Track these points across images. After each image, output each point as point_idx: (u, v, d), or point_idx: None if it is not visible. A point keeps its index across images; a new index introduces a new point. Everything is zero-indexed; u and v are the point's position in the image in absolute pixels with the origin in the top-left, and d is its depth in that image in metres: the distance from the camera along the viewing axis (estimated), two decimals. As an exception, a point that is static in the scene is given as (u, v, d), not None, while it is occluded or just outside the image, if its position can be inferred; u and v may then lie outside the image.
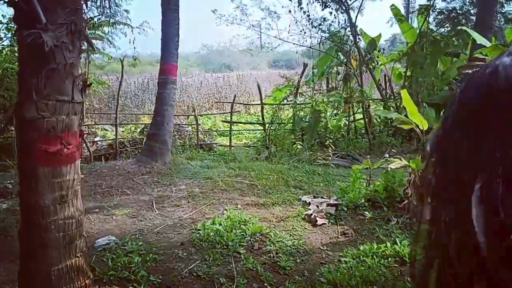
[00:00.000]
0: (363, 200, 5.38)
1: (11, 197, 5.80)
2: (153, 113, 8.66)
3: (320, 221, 4.86)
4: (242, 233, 4.47)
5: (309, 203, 5.51)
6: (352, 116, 11.34)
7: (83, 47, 2.72)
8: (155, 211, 5.42)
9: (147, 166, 7.47)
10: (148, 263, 3.86)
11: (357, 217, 5.09)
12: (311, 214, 4.99)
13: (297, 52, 13.37)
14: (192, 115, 12.85)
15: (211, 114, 15.40)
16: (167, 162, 7.82)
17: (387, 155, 9.14)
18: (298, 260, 3.95)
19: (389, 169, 5.09)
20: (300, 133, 10.55)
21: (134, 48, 10.62)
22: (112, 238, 4.50)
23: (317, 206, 5.33)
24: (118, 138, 10.53)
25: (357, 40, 11.39)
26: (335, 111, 11.54)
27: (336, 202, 5.45)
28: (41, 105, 2.45)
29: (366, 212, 5.07)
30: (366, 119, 10.81)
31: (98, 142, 11.19)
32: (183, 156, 9.05)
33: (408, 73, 10.98)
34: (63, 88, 2.53)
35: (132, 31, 10.01)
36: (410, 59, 10.96)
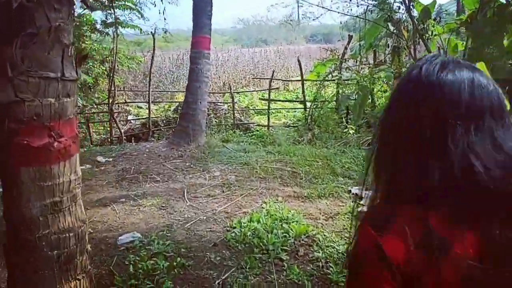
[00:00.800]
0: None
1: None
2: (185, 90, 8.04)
3: (376, 220, 4.07)
4: (284, 234, 3.78)
5: (361, 197, 4.70)
6: (402, 93, 10.18)
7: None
8: (186, 202, 4.84)
9: (180, 149, 6.90)
10: (175, 270, 3.29)
11: (420, 215, 4.26)
12: (366, 211, 4.20)
13: (341, 23, 12.19)
14: (228, 93, 12.16)
15: (248, 92, 14.64)
16: (200, 144, 7.22)
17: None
18: (353, 273, 3.22)
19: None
20: (345, 112, 9.59)
21: (165, 19, 9.97)
22: (137, 235, 3.97)
23: (372, 201, 4.53)
24: (152, 117, 10.05)
25: (410, 7, 10.11)
26: (384, 87, 10.43)
27: (394, 196, 4.61)
28: (19, 84, 1.80)
29: (431, 209, 4.23)
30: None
31: (132, 121, 10.80)
32: (218, 138, 8.41)
33: (469, 45, 9.62)
34: (49, 61, 1.86)
35: (162, 0, 9.34)
36: (471, 29, 9.58)
